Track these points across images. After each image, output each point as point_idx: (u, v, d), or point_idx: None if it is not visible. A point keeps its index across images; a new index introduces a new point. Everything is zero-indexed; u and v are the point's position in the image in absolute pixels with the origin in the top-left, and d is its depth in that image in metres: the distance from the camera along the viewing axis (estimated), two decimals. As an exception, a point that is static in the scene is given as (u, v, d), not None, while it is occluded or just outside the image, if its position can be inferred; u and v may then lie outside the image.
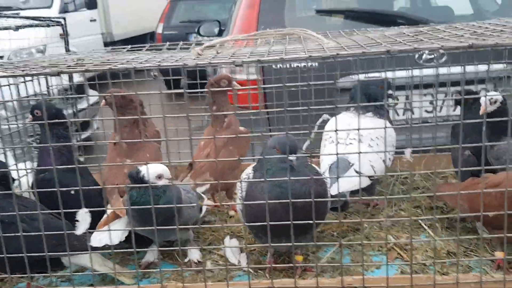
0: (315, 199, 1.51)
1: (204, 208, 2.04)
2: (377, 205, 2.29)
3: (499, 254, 1.72)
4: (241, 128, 2.31)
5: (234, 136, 2.20)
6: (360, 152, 1.60)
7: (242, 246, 1.90)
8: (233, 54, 1.82)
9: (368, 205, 2.30)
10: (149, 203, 1.59)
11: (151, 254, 1.91)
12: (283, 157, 1.60)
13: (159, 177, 1.66)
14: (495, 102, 2.04)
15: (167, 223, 1.65)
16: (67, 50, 3.20)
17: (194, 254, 1.91)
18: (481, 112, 2.00)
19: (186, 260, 1.90)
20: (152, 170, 1.65)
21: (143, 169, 1.68)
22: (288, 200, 1.50)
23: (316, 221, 1.53)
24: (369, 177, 2.07)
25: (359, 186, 1.97)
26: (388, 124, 2.26)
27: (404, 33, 1.99)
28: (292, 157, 1.59)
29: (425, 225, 2.05)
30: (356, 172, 2.03)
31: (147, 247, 1.94)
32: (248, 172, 1.76)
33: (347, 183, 1.94)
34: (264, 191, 1.58)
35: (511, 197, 1.59)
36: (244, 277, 1.77)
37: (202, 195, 2.14)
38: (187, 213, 1.79)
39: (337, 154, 1.63)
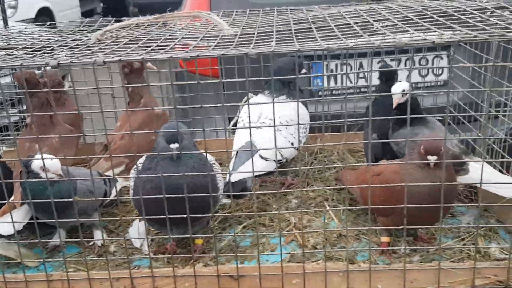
0: (195, 193, 1.55)
1: (114, 191, 2.07)
2: (291, 184, 2.35)
3: (384, 239, 1.80)
4: (157, 110, 2.32)
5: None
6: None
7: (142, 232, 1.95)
8: (130, 40, 1.82)
9: (283, 184, 2.35)
10: (39, 193, 1.61)
11: (57, 238, 1.95)
12: (166, 146, 1.63)
13: (44, 169, 1.68)
14: (403, 90, 2.05)
15: (62, 212, 1.69)
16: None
17: (97, 237, 1.95)
18: (394, 106, 2.01)
19: (90, 244, 1.95)
20: (37, 162, 1.67)
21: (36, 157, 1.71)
22: (161, 196, 1.53)
23: (195, 215, 1.57)
24: (276, 160, 2.11)
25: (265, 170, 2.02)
26: (302, 106, 2.30)
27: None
28: (173, 146, 1.61)
29: (329, 206, 2.12)
30: (262, 157, 2.08)
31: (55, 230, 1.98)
32: (141, 161, 1.79)
33: (249, 169, 1.98)
34: (144, 181, 1.62)
35: (388, 185, 1.65)
36: (144, 261, 1.83)
37: (117, 177, 2.17)
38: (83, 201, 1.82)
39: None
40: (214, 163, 1.80)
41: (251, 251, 1.87)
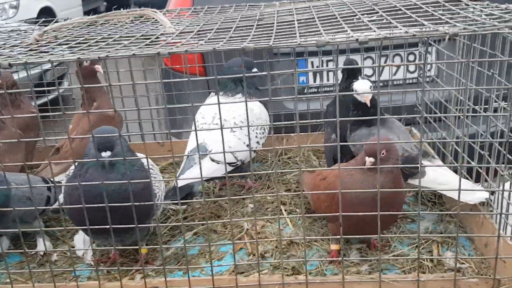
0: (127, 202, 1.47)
1: (61, 197, 1.99)
2: (251, 187, 2.26)
3: (333, 247, 1.71)
4: (111, 112, 2.23)
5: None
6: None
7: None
8: (68, 40, 1.74)
9: (243, 187, 2.26)
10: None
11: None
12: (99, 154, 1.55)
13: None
14: (370, 87, 1.95)
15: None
16: None
17: (40, 246, 1.88)
18: (368, 104, 1.90)
19: (33, 252, 1.88)
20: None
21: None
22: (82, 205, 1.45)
23: (123, 225, 1.48)
24: (229, 163, 2.02)
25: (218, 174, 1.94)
26: (260, 105, 2.21)
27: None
28: (104, 154, 1.53)
29: (286, 211, 2.03)
30: (212, 160, 1.99)
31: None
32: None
33: (198, 174, 1.89)
34: (72, 189, 1.55)
35: (334, 191, 1.55)
36: (85, 271, 1.76)
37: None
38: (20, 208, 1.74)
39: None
40: (152, 168, 1.71)
41: (198, 260, 1.79)
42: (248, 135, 2.07)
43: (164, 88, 2.77)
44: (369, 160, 1.47)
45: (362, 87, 1.87)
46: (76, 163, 1.62)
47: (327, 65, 2.93)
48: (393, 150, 1.51)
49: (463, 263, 1.60)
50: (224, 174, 1.96)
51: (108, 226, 1.45)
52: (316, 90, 2.93)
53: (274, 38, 1.38)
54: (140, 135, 1.57)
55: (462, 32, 1.14)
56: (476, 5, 1.55)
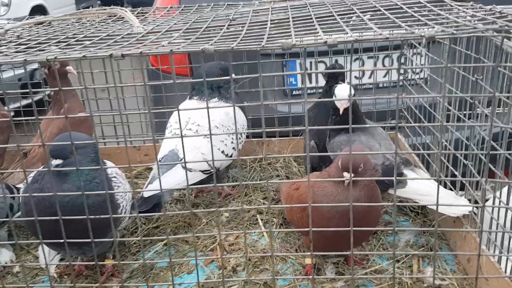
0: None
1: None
2: (229, 194, 2.16)
3: (307, 261, 1.62)
4: (81, 114, 2.14)
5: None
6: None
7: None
8: (29, 39, 1.64)
9: (220, 195, 2.17)
10: None
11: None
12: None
13: None
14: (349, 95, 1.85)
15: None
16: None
17: (3, 256, 1.78)
18: (341, 111, 1.81)
19: (-5, 263, 1.78)
20: None
21: None
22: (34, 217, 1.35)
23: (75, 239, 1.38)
24: (203, 171, 1.93)
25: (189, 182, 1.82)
26: (237, 110, 2.11)
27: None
28: (53, 162, 1.44)
29: (262, 221, 1.94)
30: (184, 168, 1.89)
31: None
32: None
33: (167, 182, 1.80)
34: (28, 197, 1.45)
35: (304, 202, 1.46)
36: (47, 283, 1.66)
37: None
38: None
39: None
40: (115, 177, 1.61)
41: (166, 273, 1.69)
42: (229, 139, 2.04)
43: (151, 89, 2.68)
44: (346, 175, 1.37)
45: (340, 93, 1.78)
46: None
47: (316, 68, 2.84)
48: (369, 163, 1.41)
49: (444, 280, 1.51)
50: (192, 185, 1.88)
51: (62, 240, 1.35)
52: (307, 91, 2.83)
53: (241, 40, 1.29)
54: (119, 138, 1.47)
55: (439, 35, 1.05)
56: (460, 6, 1.46)
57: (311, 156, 2.02)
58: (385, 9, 1.47)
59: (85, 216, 1.27)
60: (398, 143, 2.03)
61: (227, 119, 2.03)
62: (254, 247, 1.78)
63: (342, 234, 1.34)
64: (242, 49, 1.13)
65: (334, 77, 2.03)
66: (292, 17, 1.56)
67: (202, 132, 1.94)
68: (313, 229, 1.24)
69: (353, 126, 1.18)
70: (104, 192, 1.31)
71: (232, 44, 1.17)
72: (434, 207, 1.64)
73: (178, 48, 1.14)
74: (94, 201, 1.43)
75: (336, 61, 2.53)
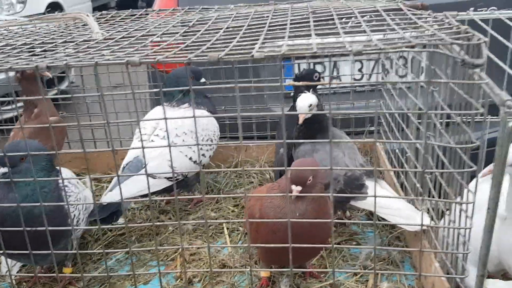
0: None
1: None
2: (200, 202, 2.14)
3: (263, 274, 1.59)
4: (53, 118, 2.14)
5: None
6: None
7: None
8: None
9: (191, 201, 2.15)
10: None
11: None
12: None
13: None
14: (310, 105, 1.81)
15: None
16: None
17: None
18: (300, 121, 1.78)
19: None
20: None
21: None
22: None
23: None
24: (169, 178, 1.91)
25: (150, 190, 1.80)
26: (207, 114, 2.09)
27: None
28: (1, 170, 1.43)
29: (228, 229, 1.91)
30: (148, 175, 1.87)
31: None
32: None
33: (130, 189, 1.79)
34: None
35: (252, 215, 1.43)
36: (6, 288, 1.67)
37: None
38: None
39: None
40: (67, 186, 1.59)
41: (123, 283, 1.68)
42: (190, 147, 2.01)
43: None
44: (295, 189, 1.34)
45: (300, 104, 1.74)
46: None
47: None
48: (319, 175, 1.37)
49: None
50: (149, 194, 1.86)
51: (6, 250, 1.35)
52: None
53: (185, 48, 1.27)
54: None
55: (366, 50, 1.01)
56: (414, 15, 1.42)
57: (280, 163, 1.99)
58: (338, 18, 1.43)
59: (22, 228, 1.26)
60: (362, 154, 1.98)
61: (197, 125, 2.00)
62: (215, 257, 1.76)
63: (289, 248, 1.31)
64: (167, 62, 1.10)
65: (298, 87, 1.99)
66: (248, 25, 1.53)
67: (165, 140, 1.92)
68: (252, 245, 1.21)
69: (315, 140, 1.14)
70: (39, 204, 1.30)
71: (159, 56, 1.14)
72: (392, 221, 1.63)
73: (102, 60, 1.12)
74: (41, 211, 1.41)
75: (309, 66, 2.49)
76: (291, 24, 1.45)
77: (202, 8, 2.09)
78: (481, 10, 1.75)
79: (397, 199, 1.67)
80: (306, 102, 1.74)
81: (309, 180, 1.35)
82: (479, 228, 1.25)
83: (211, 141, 2.07)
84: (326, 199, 1.41)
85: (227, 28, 1.54)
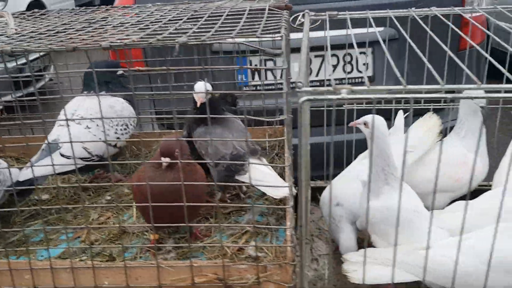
0: None
1: None
2: (120, 180, 2.39)
3: (152, 236, 1.84)
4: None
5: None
6: None
7: None
8: None
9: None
10: None
11: None
12: None
13: None
14: (207, 90, 2.05)
15: None
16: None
17: None
18: (198, 105, 2.04)
19: None
20: None
21: None
22: None
23: None
24: (82, 158, 2.16)
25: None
26: (122, 102, 2.34)
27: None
28: None
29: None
30: (62, 155, 2.12)
31: None
32: None
33: (39, 169, 2.02)
34: None
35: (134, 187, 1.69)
36: None
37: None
38: None
39: None
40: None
41: (35, 246, 1.92)
42: (112, 129, 2.26)
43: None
44: (165, 159, 1.60)
45: (197, 89, 2.01)
46: None
47: (265, 64, 3.03)
48: (184, 148, 1.64)
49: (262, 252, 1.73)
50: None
51: None
52: (254, 88, 3.04)
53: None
54: None
55: (191, 41, 1.27)
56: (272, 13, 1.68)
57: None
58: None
59: None
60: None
61: (111, 112, 2.26)
62: (118, 226, 2.00)
63: (165, 212, 1.58)
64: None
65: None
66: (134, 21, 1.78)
67: (80, 124, 2.17)
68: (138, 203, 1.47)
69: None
70: None
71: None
72: (265, 191, 1.90)
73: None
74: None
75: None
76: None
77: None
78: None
79: (270, 174, 1.93)
80: (203, 87, 2.01)
81: (176, 152, 1.61)
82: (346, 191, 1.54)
83: (127, 126, 2.32)
84: (197, 170, 1.68)
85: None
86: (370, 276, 1.75)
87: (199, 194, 1.68)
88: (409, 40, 1.70)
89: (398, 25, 2.03)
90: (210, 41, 1.27)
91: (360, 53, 2.99)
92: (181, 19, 1.76)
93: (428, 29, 1.91)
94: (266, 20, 1.55)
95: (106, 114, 2.24)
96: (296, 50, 2.28)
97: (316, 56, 3.04)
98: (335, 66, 3.00)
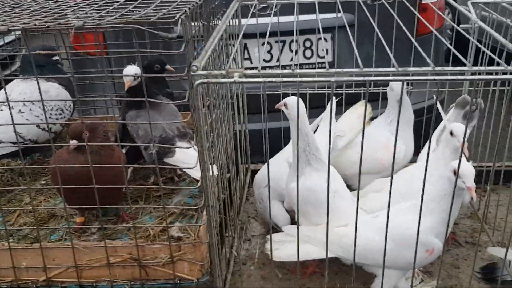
0: None
1: None
2: (58, 165, 2.41)
3: (78, 219, 1.87)
4: None
5: None
6: None
7: None
8: None
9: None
10: None
11: None
12: None
13: None
14: (135, 74, 2.06)
15: None
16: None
17: None
18: (126, 88, 2.05)
19: None
20: None
21: None
22: None
23: None
24: (14, 143, 2.16)
25: None
26: (57, 87, 2.35)
27: None
28: None
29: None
30: (-6, 139, 2.13)
31: None
32: None
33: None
34: None
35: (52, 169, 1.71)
36: None
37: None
38: None
39: None
40: None
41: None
42: (38, 116, 2.26)
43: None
44: (72, 142, 1.63)
45: (126, 72, 2.02)
46: None
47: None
48: (97, 130, 1.66)
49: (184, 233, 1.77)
50: None
51: None
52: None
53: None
54: None
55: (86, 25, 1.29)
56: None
57: (118, 129, 2.27)
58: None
59: None
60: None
61: (46, 96, 2.25)
62: (47, 211, 2.02)
63: (82, 193, 1.61)
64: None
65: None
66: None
67: (15, 108, 2.17)
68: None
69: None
70: None
71: None
72: (189, 173, 1.93)
73: None
74: None
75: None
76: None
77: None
78: None
79: (195, 156, 1.96)
80: (131, 71, 2.02)
81: (86, 134, 1.63)
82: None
83: (62, 111, 2.33)
84: (113, 153, 1.71)
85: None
86: (288, 254, 1.81)
87: (115, 176, 1.70)
88: (374, 25, 1.74)
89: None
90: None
91: (319, 39, 3.02)
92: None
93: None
94: (177, 4, 1.57)
95: (39, 99, 2.24)
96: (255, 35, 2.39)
97: (276, 42, 3.07)
98: (295, 52, 3.01)
